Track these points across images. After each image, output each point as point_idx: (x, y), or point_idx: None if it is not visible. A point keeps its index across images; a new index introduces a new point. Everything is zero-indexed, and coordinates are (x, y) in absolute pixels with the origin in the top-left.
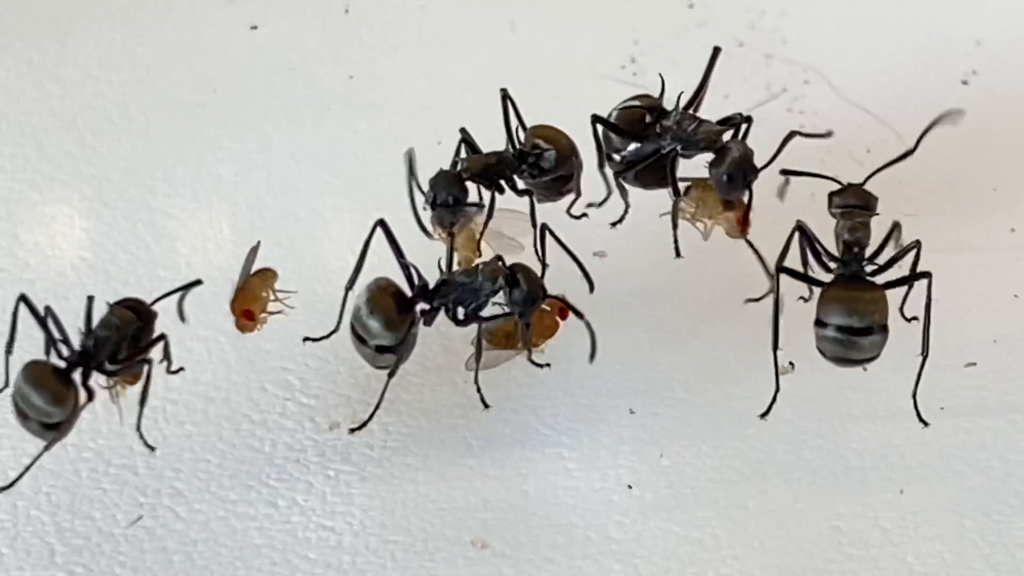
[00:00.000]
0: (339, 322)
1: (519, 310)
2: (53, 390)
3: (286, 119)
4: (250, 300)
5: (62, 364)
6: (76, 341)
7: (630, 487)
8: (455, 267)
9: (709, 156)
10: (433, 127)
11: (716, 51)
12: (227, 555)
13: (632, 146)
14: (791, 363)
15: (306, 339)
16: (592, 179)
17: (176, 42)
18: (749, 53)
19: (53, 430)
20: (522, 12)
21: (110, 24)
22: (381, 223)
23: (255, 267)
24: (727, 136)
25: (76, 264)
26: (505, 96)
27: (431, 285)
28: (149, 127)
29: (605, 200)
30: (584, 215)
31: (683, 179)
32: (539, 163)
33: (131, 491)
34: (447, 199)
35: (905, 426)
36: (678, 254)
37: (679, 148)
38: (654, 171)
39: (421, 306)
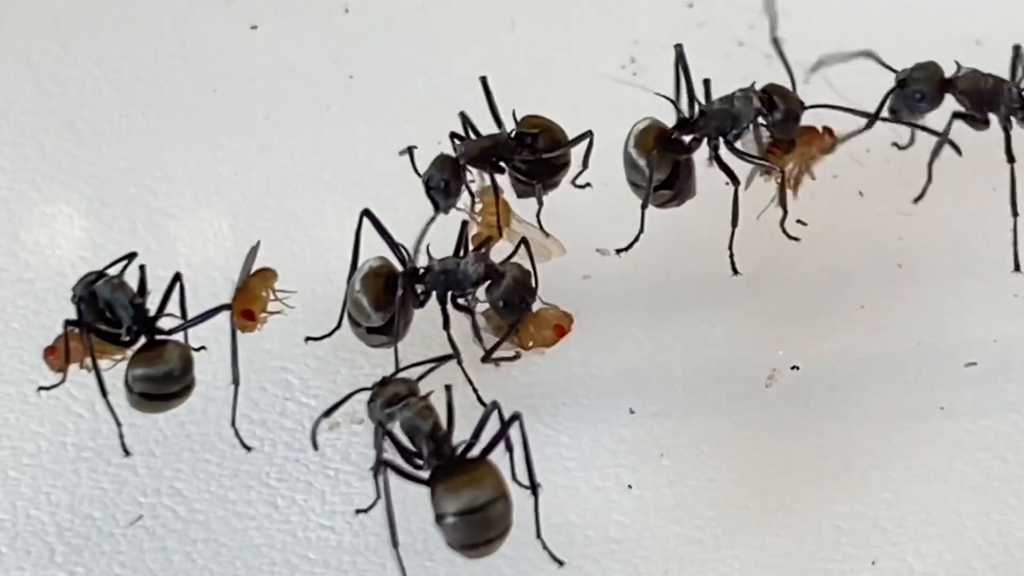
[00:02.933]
0: (340, 321)
1: (497, 309)
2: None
3: (286, 119)
4: (250, 300)
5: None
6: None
7: (630, 487)
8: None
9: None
10: (433, 127)
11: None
12: (227, 555)
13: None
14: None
15: (307, 339)
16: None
17: (176, 42)
18: (749, 53)
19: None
20: (522, 11)
21: (110, 24)
22: (366, 212)
23: (255, 267)
24: (756, 105)
25: (76, 264)
26: (485, 84)
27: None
28: (149, 127)
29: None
30: (588, 184)
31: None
32: (535, 144)
33: (131, 491)
34: (440, 183)
35: (905, 426)
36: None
37: (724, 136)
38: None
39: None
